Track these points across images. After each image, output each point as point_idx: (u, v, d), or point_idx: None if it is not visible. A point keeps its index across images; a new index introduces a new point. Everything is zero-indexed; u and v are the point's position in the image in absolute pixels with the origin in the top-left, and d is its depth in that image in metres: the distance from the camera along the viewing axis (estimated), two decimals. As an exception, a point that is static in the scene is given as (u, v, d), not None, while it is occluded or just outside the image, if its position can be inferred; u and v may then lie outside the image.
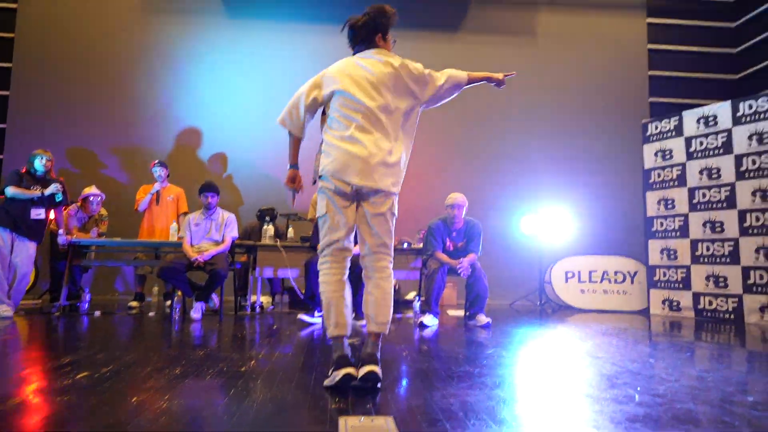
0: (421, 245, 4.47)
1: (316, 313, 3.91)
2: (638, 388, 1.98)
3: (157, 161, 5.00)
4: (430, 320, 3.92)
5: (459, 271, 4.00)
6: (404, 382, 2.09)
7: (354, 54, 2.18)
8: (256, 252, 4.48)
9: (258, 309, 4.63)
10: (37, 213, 4.12)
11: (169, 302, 4.71)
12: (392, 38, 2.21)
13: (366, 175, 1.95)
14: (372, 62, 2.07)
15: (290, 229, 4.72)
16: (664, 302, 5.18)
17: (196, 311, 4.09)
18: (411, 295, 5.50)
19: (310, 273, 4.03)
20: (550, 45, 6.50)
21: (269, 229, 4.53)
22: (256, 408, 1.66)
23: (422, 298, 4.27)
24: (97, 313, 4.27)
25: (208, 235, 4.34)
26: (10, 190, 4.03)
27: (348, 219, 2.02)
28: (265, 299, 4.84)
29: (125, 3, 6.03)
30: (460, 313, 4.72)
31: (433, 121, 6.26)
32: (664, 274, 5.19)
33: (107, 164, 5.84)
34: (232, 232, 4.39)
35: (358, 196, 2.02)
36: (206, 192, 4.36)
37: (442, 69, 2.23)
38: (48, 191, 4.10)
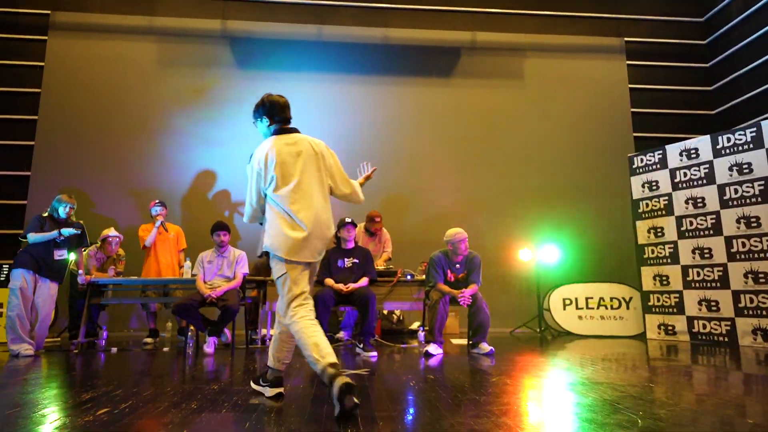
0: (423, 277, 4.67)
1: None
2: (640, 413, 2.05)
3: (157, 201, 5.25)
4: (434, 349, 4.07)
5: (460, 302, 4.18)
6: (412, 411, 2.17)
7: (274, 133, 2.46)
8: (266, 287, 4.68)
9: (268, 342, 4.78)
10: (60, 254, 4.31)
11: (182, 337, 4.86)
12: None
13: (313, 253, 2.33)
14: (299, 141, 2.42)
15: (298, 265, 4.94)
16: (659, 327, 5.34)
17: (209, 346, 4.25)
18: (415, 326, 5.66)
19: (318, 306, 4.21)
20: (538, 87, 6.93)
21: (278, 264, 4.74)
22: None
23: (426, 328, 4.43)
24: (114, 349, 4.42)
25: (221, 272, 4.56)
26: (32, 236, 4.21)
27: (303, 271, 2.32)
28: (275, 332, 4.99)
29: (143, 57, 6.49)
30: (464, 341, 4.87)
31: (436, 162, 6.61)
32: (658, 300, 5.38)
33: (126, 207, 6.13)
34: (244, 269, 4.60)
35: None
36: (219, 231, 4.60)
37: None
38: (65, 230, 4.22)
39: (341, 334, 5.03)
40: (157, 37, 6.54)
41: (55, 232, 4.24)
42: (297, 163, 2.37)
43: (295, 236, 2.27)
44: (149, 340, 4.85)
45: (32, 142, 6.17)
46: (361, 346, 4.10)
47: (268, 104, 2.47)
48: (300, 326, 2.19)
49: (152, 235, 5.05)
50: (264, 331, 4.85)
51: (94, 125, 6.26)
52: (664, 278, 5.35)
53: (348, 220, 4.53)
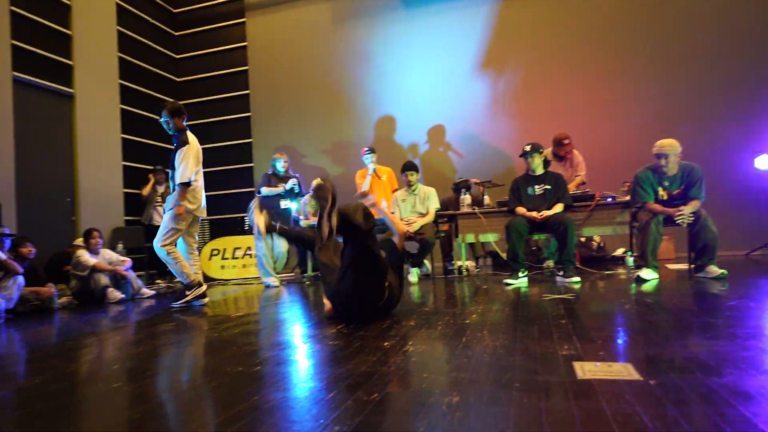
0: (627, 198, 4.22)
1: (520, 274, 4.02)
2: None
3: (367, 149, 5.68)
4: (648, 274, 3.70)
5: (677, 220, 3.68)
6: (630, 332, 2.05)
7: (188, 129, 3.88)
8: (457, 220, 4.84)
9: (464, 272, 5.00)
10: (286, 204, 5.31)
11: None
12: None
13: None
14: None
15: (486, 197, 4.95)
16: None
17: (413, 276, 4.66)
18: (620, 252, 5.24)
19: (511, 235, 4.18)
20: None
21: (466, 198, 4.82)
22: (490, 352, 1.79)
23: (635, 254, 4.05)
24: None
25: (414, 208, 4.86)
26: (264, 190, 5.28)
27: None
28: (469, 263, 5.19)
29: (319, 19, 7.05)
30: (683, 266, 4.32)
31: (629, 68, 5.76)
32: None
33: (330, 155, 6.97)
34: (435, 204, 4.82)
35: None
36: (407, 170, 4.88)
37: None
38: (287, 186, 5.22)
39: (550, 263, 4.91)
40: (329, -4, 6.98)
41: (281, 189, 5.25)
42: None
43: (201, 199, 4.02)
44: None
45: (249, 114, 7.37)
46: (561, 273, 3.98)
47: (181, 111, 3.86)
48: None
49: (366, 182, 5.60)
50: (459, 263, 5.07)
51: (291, 89, 7.14)
52: None
53: (527, 148, 4.29)
